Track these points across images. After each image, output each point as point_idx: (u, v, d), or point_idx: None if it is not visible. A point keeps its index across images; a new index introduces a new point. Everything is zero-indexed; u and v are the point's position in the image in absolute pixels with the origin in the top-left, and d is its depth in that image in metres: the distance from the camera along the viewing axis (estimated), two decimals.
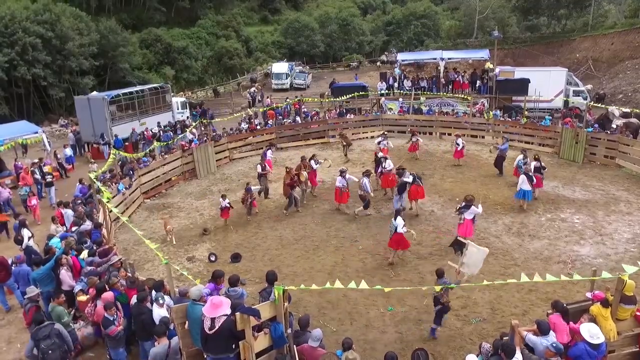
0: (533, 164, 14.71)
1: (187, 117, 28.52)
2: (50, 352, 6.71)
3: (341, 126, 23.97)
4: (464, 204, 11.24)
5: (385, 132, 20.20)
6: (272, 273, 6.81)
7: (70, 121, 29.57)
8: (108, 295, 7.40)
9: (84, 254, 9.55)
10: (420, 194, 13.79)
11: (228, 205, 13.72)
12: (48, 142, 20.60)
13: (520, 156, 15.60)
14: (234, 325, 5.62)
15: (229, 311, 5.66)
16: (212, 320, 5.54)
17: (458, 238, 9.71)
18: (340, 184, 14.05)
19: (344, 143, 20.11)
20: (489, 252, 11.49)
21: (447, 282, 8.28)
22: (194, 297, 6.04)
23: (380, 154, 16.20)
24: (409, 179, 13.31)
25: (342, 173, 14.09)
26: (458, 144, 18.42)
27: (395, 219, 10.93)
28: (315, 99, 31.00)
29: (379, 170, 15.62)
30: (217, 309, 5.53)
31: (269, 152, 17.44)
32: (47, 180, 16.53)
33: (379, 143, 17.93)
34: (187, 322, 6.24)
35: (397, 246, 11.09)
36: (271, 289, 6.47)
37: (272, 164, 17.55)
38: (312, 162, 15.77)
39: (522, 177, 13.82)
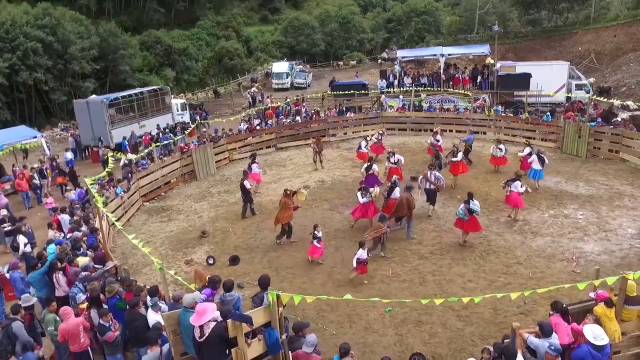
0: (527, 149, 15.89)
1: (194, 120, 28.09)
2: None
3: (341, 124, 23.82)
4: (514, 177, 12.81)
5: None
6: (264, 278, 6.66)
7: (72, 124, 29.59)
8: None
9: (83, 260, 9.47)
10: (464, 169, 15.63)
11: (367, 257, 10.28)
12: (47, 146, 20.59)
13: (493, 145, 17.00)
14: (225, 331, 5.49)
15: (216, 315, 5.53)
16: (201, 327, 5.41)
17: None
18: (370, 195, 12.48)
19: (317, 149, 18.55)
20: (492, 250, 11.51)
21: None
22: (186, 305, 5.92)
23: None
24: (458, 157, 15.34)
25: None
26: (438, 140, 17.65)
27: (472, 201, 11.25)
28: (315, 95, 30.85)
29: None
30: (202, 316, 5.40)
31: (255, 166, 16.15)
32: (4, 228, 11.97)
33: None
34: (179, 329, 6.12)
35: (471, 229, 11.42)
36: (263, 294, 6.33)
37: (261, 177, 16.67)
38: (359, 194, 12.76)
39: (534, 157, 14.80)
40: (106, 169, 14.96)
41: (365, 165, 15.07)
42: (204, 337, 5.44)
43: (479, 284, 10.11)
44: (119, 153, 18.69)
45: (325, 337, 8.56)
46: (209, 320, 5.45)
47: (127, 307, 7.13)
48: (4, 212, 13.22)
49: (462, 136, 19.29)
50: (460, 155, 15.57)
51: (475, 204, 11.32)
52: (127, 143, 21.43)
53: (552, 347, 5.79)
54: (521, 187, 12.69)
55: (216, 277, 7.35)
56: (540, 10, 49.44)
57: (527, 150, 15.80)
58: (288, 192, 12.44)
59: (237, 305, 6.77)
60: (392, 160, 15.29)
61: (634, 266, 10.08)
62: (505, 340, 6.46)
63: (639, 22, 36.87)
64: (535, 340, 6.08)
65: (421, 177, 13.58)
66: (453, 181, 15.72)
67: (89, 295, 7.97)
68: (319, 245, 11.13)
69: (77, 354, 7.11)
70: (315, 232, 11.18)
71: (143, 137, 22.60)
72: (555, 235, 12.13)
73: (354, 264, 10.06)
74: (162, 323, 6.68)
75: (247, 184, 14.20)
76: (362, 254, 10.09)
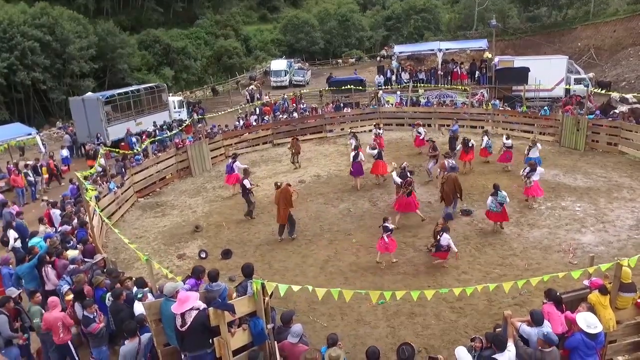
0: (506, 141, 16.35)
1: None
2: None
3: (338, 120, 23.66)
4: (529, 169, 12.89)
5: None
6: (247, 266, 6.51)
7: (71, 124, 29.52)
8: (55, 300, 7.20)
9: (72, 253, 9.36)
10: (470, 156, 16.13)
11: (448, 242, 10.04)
12: (43, 143, 20.51)
13: (486, 137, 17.09)
14: (208, 319, 5.36)
15: (199, 304, 5.40)
16: (183, 316, 5.27)
17: None
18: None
19: (293, 150, 18.57)
20: (488, 242, 11.36)
21: None
22: (166, 293, 5.79)
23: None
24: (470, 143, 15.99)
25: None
26: (420, 133, 18.33)
27: (499, 193, 11.30)
28: (312, 90, 30.72)
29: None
30: (184, 304, 5.27)
31: (236, 165, 15.35)
32: None
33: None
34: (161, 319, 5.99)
35: (500, 219, 11.64)
36: (247, 283, 6.20)
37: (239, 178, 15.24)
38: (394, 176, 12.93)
39: (537, 146, 15.27)
40: (96, 165, 14.88)
41: (352, 154, 15.09)
42: (186, 326, 5.31)
43: (474, 275, 9.96)
44: (117, 151, 18.55)
45: (317, 329, 8.43)
46: (191, 309, 5.32)
47: (112, 299, 6.99)
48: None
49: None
50: (472, 143, 16.16)
51: (502, 196, 11.34)
52: (133, 139, 21.28)
53: (545, 335, 5.64)
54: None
55: (199, 267, 7.22)
56: (539, 6, 49.16)
57: (509, 142, 16.27)
58: (289, 185, 12.33)
59: (223, 296, 6.61)
60: (374, 153, 15.42)
61: (631, 257, 9.90)
62: (497, 330, 6.32)
63: (639, 17, 36.64)
64: (527, 329, 5.94)
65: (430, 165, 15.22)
66: (468, 168, 16.34)
67: (74, 287, 7.88)
68: (387, 240, 10.35)
69: (59, 346, 6.99)
70: (386, 224, 10.38)
71: (142, 136, 22.57)
72: (552, 227, 11.96)
73: (447, 249, 10.00)
74: (144, 314, 6.55)
75: (246, 182, 13.48)
76: (446, 239, 9.96)
